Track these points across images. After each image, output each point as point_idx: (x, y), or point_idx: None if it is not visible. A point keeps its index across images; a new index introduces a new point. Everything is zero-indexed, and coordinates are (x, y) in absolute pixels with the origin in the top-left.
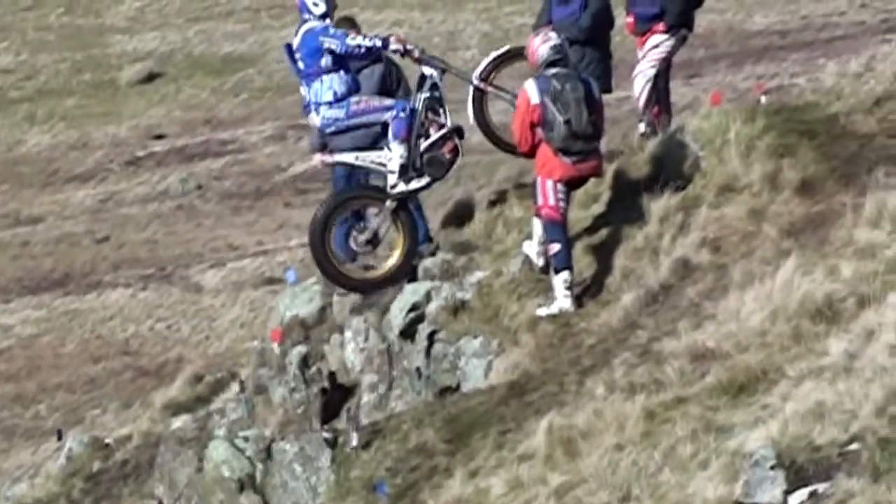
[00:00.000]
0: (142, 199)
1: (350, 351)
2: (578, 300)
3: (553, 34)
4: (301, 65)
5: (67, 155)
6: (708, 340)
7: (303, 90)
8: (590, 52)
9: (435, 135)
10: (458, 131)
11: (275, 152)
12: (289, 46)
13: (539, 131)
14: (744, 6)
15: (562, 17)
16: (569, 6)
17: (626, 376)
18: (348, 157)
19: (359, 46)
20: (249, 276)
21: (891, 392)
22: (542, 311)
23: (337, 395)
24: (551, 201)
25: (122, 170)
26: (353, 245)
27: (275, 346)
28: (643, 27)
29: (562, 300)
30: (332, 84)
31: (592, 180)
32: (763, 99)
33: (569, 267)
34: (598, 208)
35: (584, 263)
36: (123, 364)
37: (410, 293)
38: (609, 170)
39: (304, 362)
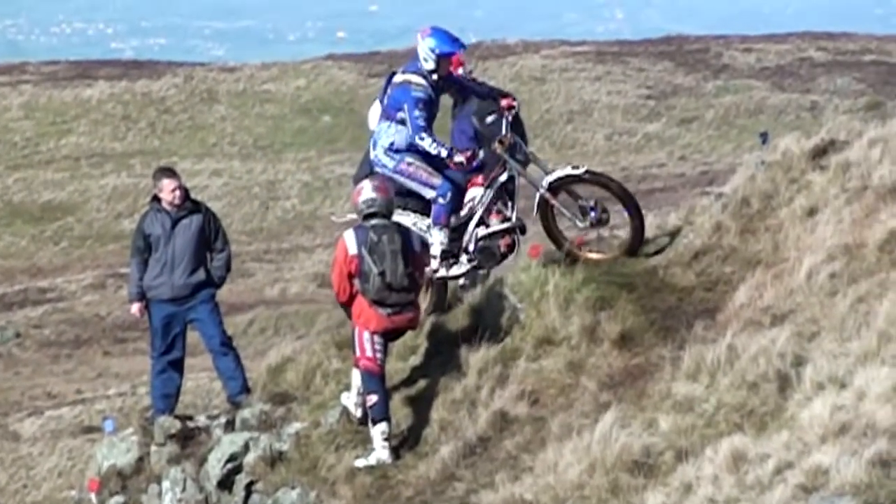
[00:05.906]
0: None
1: (168, 501)
2: (396, 452)
3: (369, 186)
4: (386, 100)
5: None
6: (526, 493)
7: (378, 119)
8: (412, 203)
9: (495, 226)
10: (520, 228)
11: (94, 301)
12: (392, 75)
13: (356, 282)
14: (564, 157)
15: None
16: None
17: None
18: (406, 220)
19: (419, 147)
20: (67, 425)
21: None
22: (360, 463)
23: None
24: (368, 353)
25: None
26: None
27: (92, 496)
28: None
29: (380, 451)
30: (395, 134)
31: (412, 332)
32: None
33: (386, 418)
34: (417, 360)
35: (403, 415)
36: None
37: (228, 444)
38: (427, 321)
39: None
